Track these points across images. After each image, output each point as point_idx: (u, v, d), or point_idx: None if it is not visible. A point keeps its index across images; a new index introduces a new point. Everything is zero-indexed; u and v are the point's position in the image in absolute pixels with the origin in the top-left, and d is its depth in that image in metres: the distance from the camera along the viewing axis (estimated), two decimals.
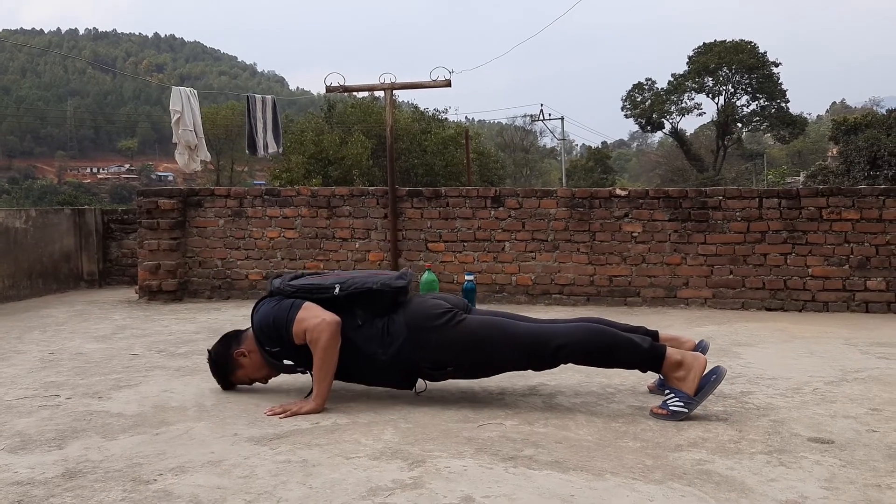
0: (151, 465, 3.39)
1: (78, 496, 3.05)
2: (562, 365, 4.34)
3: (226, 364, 4.68)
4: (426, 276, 7.38)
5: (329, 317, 4.25)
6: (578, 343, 4.21)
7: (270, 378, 4.78)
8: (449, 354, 4.31)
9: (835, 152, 42.64)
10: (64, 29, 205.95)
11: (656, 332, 4.50)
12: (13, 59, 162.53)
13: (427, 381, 4.55)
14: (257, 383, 4.78)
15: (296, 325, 4.28)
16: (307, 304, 4.33)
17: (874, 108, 67.74)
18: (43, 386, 4.98)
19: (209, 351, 4.79)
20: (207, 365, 4.81)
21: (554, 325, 4.42)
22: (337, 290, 4.38)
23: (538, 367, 4.40)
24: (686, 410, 4.06)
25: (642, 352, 4.20)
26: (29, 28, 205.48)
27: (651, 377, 4.74)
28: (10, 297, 9.62)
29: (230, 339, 4.73)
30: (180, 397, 4.64)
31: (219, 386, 4.81)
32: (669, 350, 4.19)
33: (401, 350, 4.29)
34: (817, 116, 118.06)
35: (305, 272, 4.86)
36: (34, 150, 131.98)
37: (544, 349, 4.22)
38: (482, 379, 4.81)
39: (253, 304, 4.65)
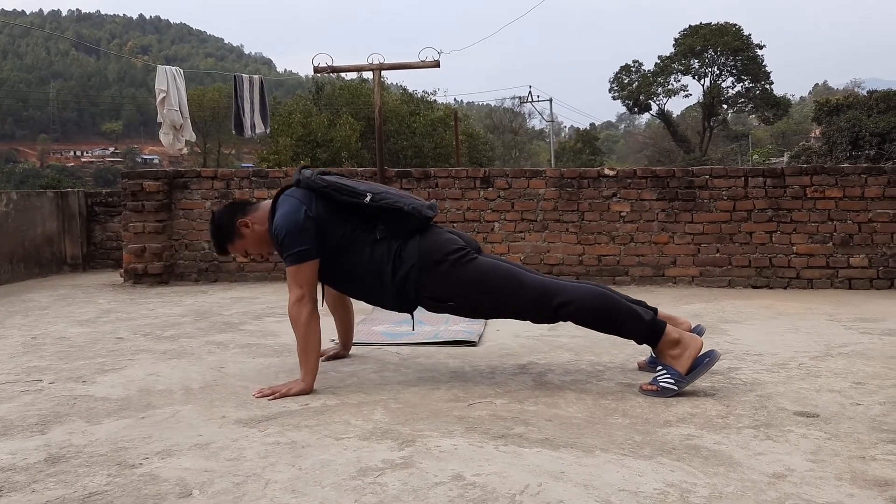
0: (137, 449, 3.36)
1: (61, 481, 3.02)
2: (560, 322, 4.36)
3: (227, 229, 4.55)
4: None
5: (310, 293, 4.23)
6: (584, 302, 4.22)
7: (268, 256, 4.73)
8: (453, 290, 4.30)
9: (818, 133, 42.87)
10: (46, 10, 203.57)
11: (656, 308, 4.50)
12: None
13: (426, 311, 4.52)
14: (252, 261, 4.70)
15: (288, 272, 4.27)
16: (308, 263, 4.24)
17: (855, 90, 68.11)
18: (25, 371, 4.92)
19: (213, 212, 4.69)
20: (209, 229, 4.71)
21: (562, 282, 4.42)
22: (368, 198, 4.28)
23: (537, 320, 4.38)
24: (676, 388, 4.07)
25: (644, 324, 4.21)
26: (10, 9, 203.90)
27: (641, 355, 4.75)
28: None
29: (237, 207, 4.62)
30: (167, 381, 4.60)
31: (215, 252, 4.79)
32: (669, 327, 4.21)
33: (408, 275, 4.27)
34: (800, 98, 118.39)
35: (333, 172, 4.74)
36: (15, 133, 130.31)
37: (549, 303, 4.22)
38: (472, 358, 4.81)
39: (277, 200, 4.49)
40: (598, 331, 4.41)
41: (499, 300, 4.31)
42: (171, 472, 3.08)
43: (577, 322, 4.32)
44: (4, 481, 3.03)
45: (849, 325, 6.21)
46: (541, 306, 4.25)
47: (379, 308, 4.61)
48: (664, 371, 4.14)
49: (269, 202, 4.50)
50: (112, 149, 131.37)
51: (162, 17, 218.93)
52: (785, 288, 8.43)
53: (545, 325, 4.51)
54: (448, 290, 4.31)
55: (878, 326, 6.18)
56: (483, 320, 6.06)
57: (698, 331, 4.55)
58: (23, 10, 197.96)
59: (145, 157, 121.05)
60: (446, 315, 4.99)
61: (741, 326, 6.21)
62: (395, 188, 5.07)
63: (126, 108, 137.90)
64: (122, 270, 9.57)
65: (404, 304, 4.46)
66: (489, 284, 4.28)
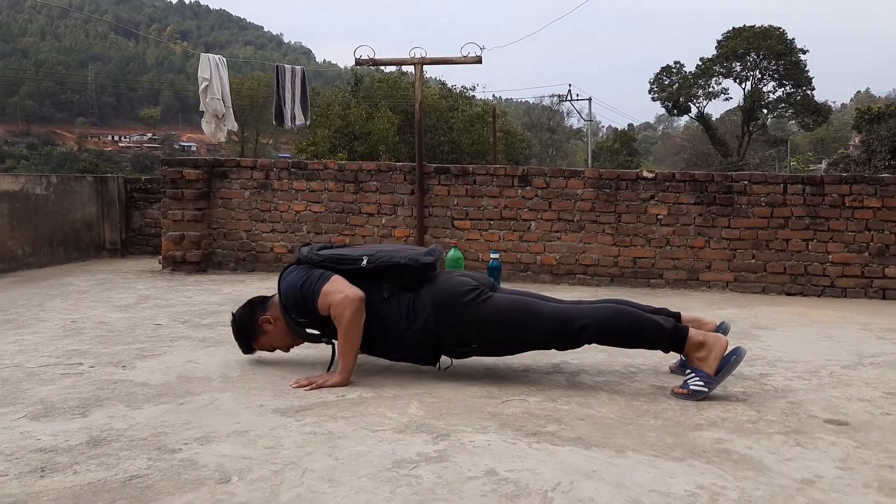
0: (176, 435, 3.43)
1: (102, 464, 3.09)
2: (585, 345, 4.38)
3: (250, 329, 4.67)
4: (452, 253, 7.41)
5: (353, 292, 4.25)
6: (603, 324, 4.24)
7: (293, 347, 4.78)
8: (474, 332, 4.33)
9: (857, 141, 42.51)
10: None
11: (678, 313, 4.52)
12: (32, 21, 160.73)
13: (451, 358, 4.57)
14: (279, 351, 4.79)
15: (321, 298, 4.29)
16: (334, 277, 4.33)
17: None
18: (65, 354, 5.00)
19: (233, 314, 4.77)
20: (231, 330, 4.79)
21: (579, 306, 4.45)
22: (364, 262, 4.38)
23: (562, 347, 4.43)
24: (706, 390, 4.10)
25: (665, 333, 4.22)
26: None
27: (672, 358, 4.77)
28: (30, 264, 9.65)
29: (255, 305, 4.72)
30: (205, 368, 4.67)
31: (241, 352, 4.82)
32: (692, 331, 4.22)
33: (426, 326, 4.31)
34: (841, 105, 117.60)
35: (333, 244, 4.85)
36: (54, 115, 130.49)
37: (569, 329, 4.25)
38: (507, 357, 4.85)
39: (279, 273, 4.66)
40: (622, 347, 4.48)
41: (520, 335, 4.35)
42: (210, 457, 3.15)
43: (600, 343, 4.36)
44: (47, 462, 3.10)
45: (881, 336, 6.18)
46: (562, 334, 4.29)
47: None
48: (693, 374, 4.18)
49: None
50: (150, 134, 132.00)
51: (202, 3, 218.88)
52: (819, 296, 8.38)
53: (572, 350, 4.56)
54: (469, 332, 4.36)
55: None
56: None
57: (723, 329, 4.58)
58: None
59: (183, 143, 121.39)
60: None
61: (774, 333, 6.20)
62: (391, 244, 5.12)
63: (164, 94, 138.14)
64: (161, 257, 9.64)
65: (427, 357, 4.53)
66: (508, 320, 4.32)
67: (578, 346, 4.41)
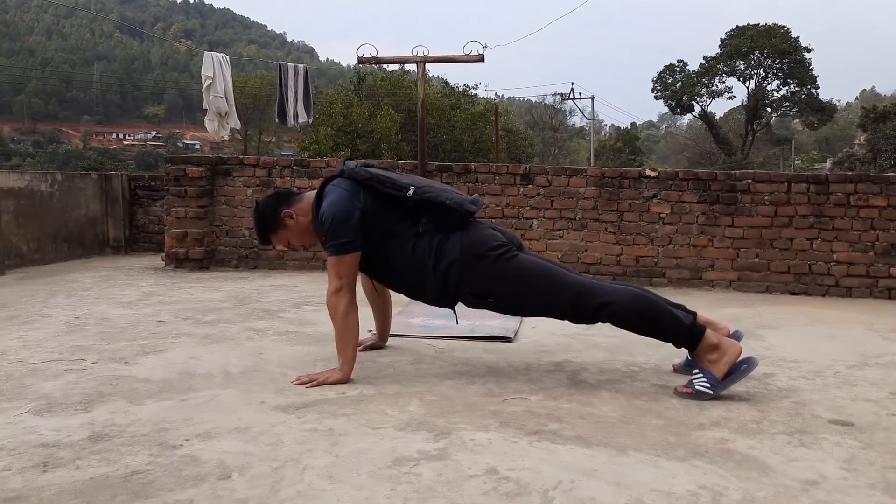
0: (178, 431, 3.43)
1: (104, 459, 3.09)
2: (599, 323, 4.35)
3: (271, 220, 4.54)
4: None
5: (349, 288, 4.26)
6: (625, 304, 4.21)
7: (311, 246, 4.72)
8: (493, 286, 4.31)
9: (862, 140, 42.50)
10: None
11: (695, 313, 4.49)
12: (38, 20, 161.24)
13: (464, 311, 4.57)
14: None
15: (329, 261, 4.28)
16: (352, 255, 4.27)
17: None
18: (69, 350, 5.01)
19: (257, 202, 4.68)
20: (253, 219, 4.70)
21: (602, 283, 4.43)
22: (411, 191, 4.30)
23: (576, 320, 4.37)
24: (711, 392, 4.07)
25: (683, 328, 4.20)
26: None
27: (675, 356, 4.75)
28: (35, 260, 9.65)
29: (281, 197, 4.62)
30: (207, 364, 4.66)
31: (259, 243, 4.80)
32: (708, 332, 4.19)
33: (449, 270, 4.28)
34: (846, 104, 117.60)
35: (375, 164, 4.75)
36: (59, 113, 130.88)
37: (589, 303, 4.21)
38: (508, 354, 4.83)
39: (321, 183, 4.50)
40: (638, 333, 4.39)
41: (538, 298, 4.30)
42: (212, 454, 3.15)
43: (615, 324, 4.31)
44: (49, 457, 3.10)
45: (886, 335, 6.15)
46: (581, 306, 4.25)
47: (416, 301, 4.64)
48: (700, 374, 4.14)
49: (312, 193, 4.52)
50: (154, 132, 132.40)
51: (206, 2, 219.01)
52: (823, 295, 8.35)
53: (582, 325, 4.52)
54: (488, 286, 4.31)
55: None
56: (519, 317, 6.05)
57: (736, 336, 4.52)
58: None
59: (187, 142, 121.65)
60: (483, 310, 5.01)
61: (778, 332, 6.18)
62: (438, 182, 5.08)
63: (169, 93, 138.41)
64: (164, 254, 9.64)
65: (445, 300, 4.47)
66: (530, 282, 4.28)
67: (592, 323, 4.37)
